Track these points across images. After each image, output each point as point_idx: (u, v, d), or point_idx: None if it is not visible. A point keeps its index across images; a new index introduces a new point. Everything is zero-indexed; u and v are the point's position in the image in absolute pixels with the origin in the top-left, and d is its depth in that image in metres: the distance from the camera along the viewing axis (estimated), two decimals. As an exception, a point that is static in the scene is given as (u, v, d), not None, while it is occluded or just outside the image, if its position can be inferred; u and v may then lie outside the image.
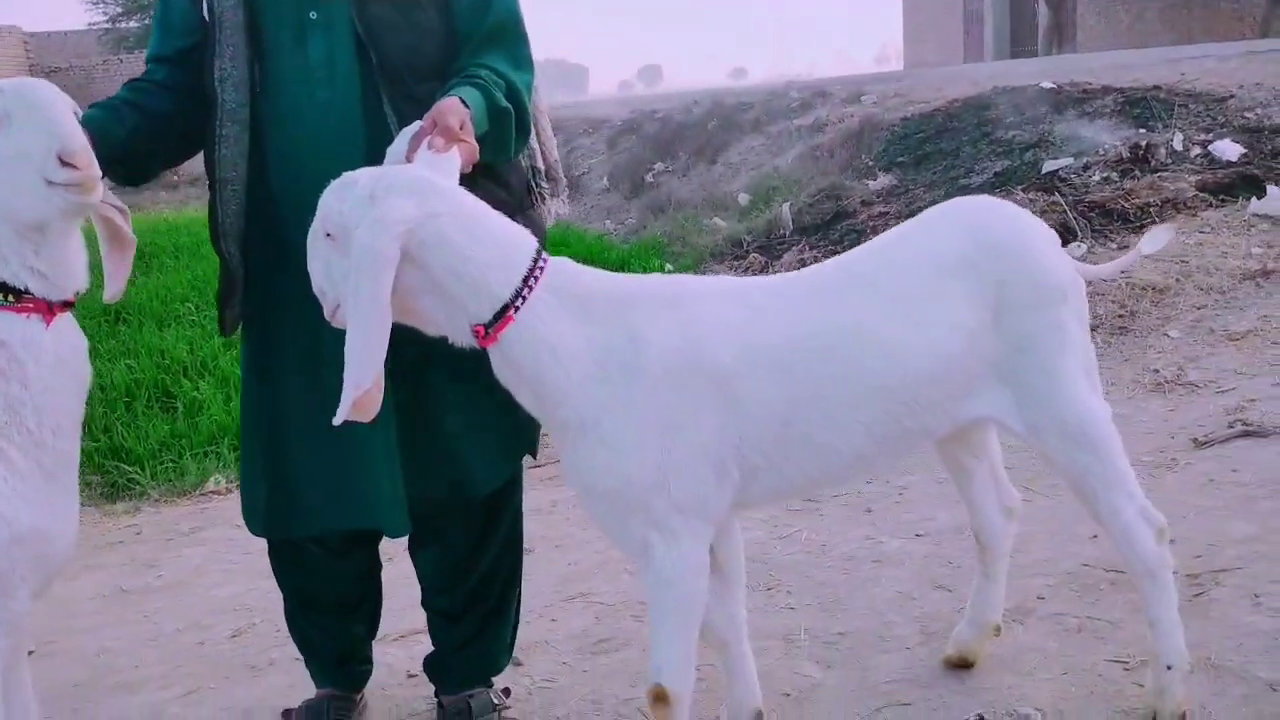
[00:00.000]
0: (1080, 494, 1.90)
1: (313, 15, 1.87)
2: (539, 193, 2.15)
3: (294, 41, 1.89)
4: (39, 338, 1.55)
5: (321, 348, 1.93)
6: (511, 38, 1.98)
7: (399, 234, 1.50)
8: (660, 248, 8.45)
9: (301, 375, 1.98)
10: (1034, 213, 6.30)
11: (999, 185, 7.00)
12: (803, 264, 7.14)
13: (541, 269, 1.63)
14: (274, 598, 2.97)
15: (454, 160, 1.66)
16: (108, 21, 26.07)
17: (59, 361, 1.58)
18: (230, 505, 3.98)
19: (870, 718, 2.14)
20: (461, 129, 1.69)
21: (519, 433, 2.10)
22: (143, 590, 3.18)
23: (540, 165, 2.16)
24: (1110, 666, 2.20)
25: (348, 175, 1.61)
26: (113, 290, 1.81)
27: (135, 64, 21.55)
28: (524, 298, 1.59)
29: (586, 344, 1.62)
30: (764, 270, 7.33)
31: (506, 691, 2.27)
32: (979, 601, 2.21)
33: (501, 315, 1.59)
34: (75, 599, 3.13)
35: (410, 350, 1.81)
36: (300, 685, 2.46)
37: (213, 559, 3.38)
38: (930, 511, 3.12)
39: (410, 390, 1.94)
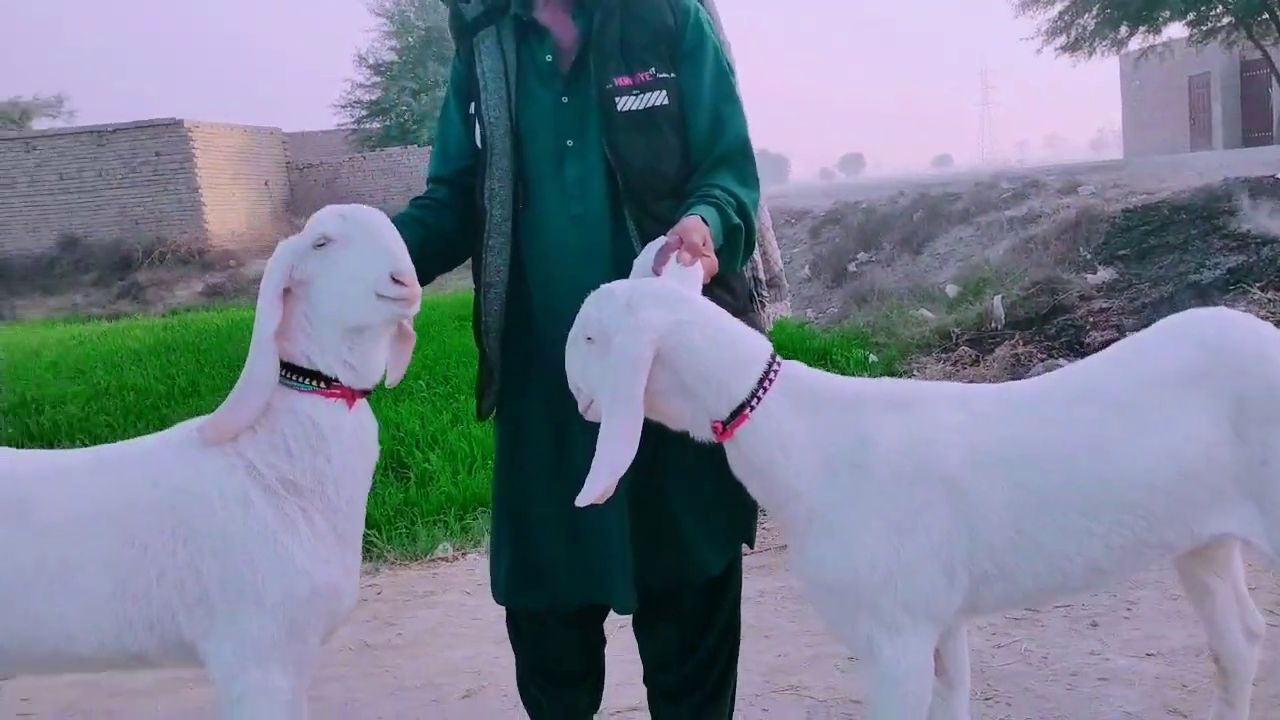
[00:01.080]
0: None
1: (569, 143, 2.11)
2: (760, 299, 2.30)
3: (553, 165, 2.13)
4: (342, 420, 1.80)
5: (566, 435, 2.12)
6: (741, 159, 2.15)
7: (652, 340, 1.67)
8: (864, 338, 8.43)
9: (547, 458, 2.16)
10: (1277, 313, 5.90)
11: (1234, 282, 6.63)
12: (1017, 359, 6.96)
13: (776, 372, 1.76)
14: (502, 663, 3.20)
15: (698, 273, 1.83)
16: (354, 123, 28.83)
17: (356, 441, 1.83)
18: (458, 572, 4.27)
19: (1097, 841, 2.07)
20: (704, 245, 1.86)
21: (740, 520, 2.22)
22: (384, 646, 3.46)
23: (762, 276, 2.31)
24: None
25: (606, 286, 1.80)
26: (395, 377, 2.06)
27: (376, 161, 23.74)
28: (759, 398, 1.73)
29: (815, 443, 1.73)
30: (974, 364, 7.19)
31: (721, 775, 2.34)
32: (1219, 728, 2.11)
33: (738, 413, 1.73)
34: (327, 650, 3.43)
35: (644, 440, 1.97)
36: (526, 749, 2.63)
37: (445, 622, 3.64)
38: (1161, 629, 2.97)
39: (644, 477, 2.10)
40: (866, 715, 1.79)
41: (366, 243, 1.77)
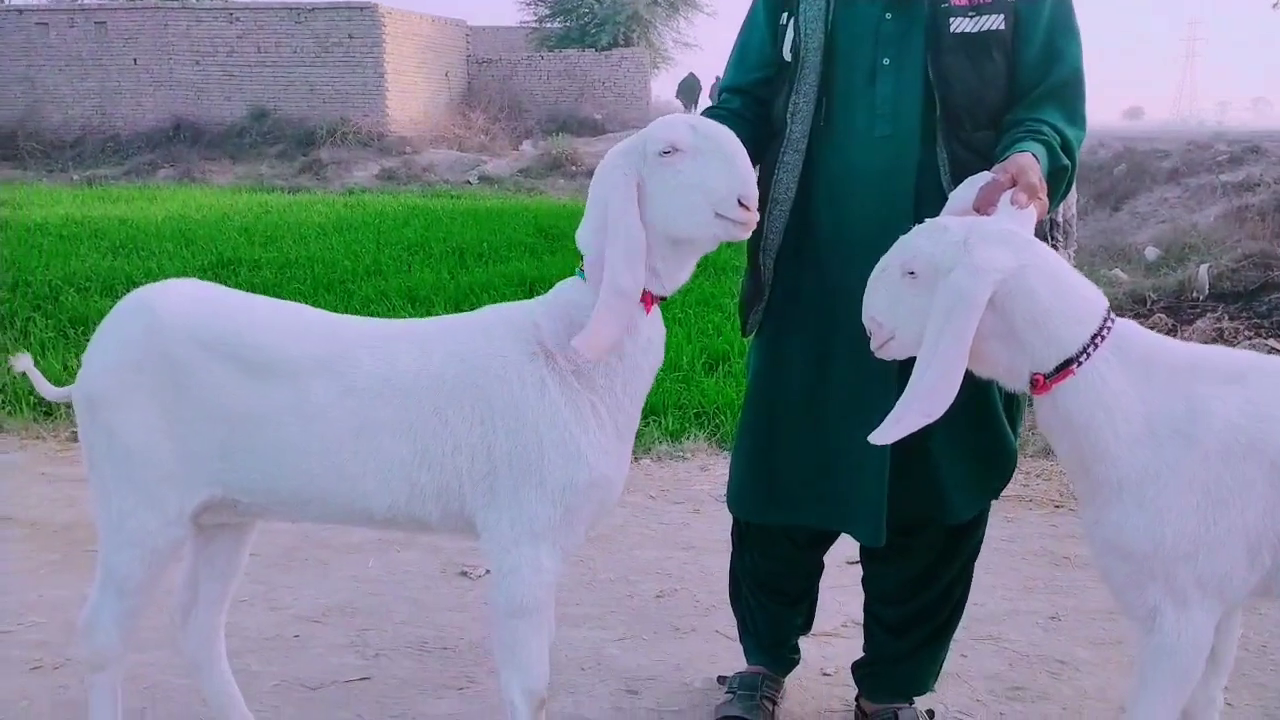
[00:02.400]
0: None
1: (885, 61, 2.03)
2: (1053, 243, 2.20)
3: (865, 82, 2.04)
4: (639, 322, 1.83)
5: (829, 360, 2.11)
6: (1073, 93, 2.03)
7: (994, 281, 1.61)
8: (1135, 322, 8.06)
9: (806, 381, 2.15)
10: None
11: None
12: (1219, 334, 6.55)
13: (1109, 328, 1.69)
14: (690, 569, 3.29)
15: (1031, 217, 1.75)
16: (535, 21, 28.92)
17: (649, 343, 1.86)
18: (635, 475, 4.35)
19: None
20: (1039, 187, 1.78)
21: (995, 471, 2.18)
22: (577, 538, 3.59)
23: (1059, 219, 2.21)
24: None
25: (937, 220, 1.74)
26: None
27: (553, 61, 23.82)
28: (1089, 354, 1.66)
29: (1142, 407, 1.66)
30: (1170, 334, 6.81)
31: (931, 714, 2.36)
32: None
33: (1064, 368, 1.67)
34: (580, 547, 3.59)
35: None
36: (722, 656, 2.70)
37: (631, 521, 3.74)
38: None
39: None
40: (1134, 682, 1.76)
41: (718, 160, 1.75)
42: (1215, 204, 9.33)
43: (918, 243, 1.70)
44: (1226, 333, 6.59)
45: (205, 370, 1.85)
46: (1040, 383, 1.69)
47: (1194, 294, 7.43)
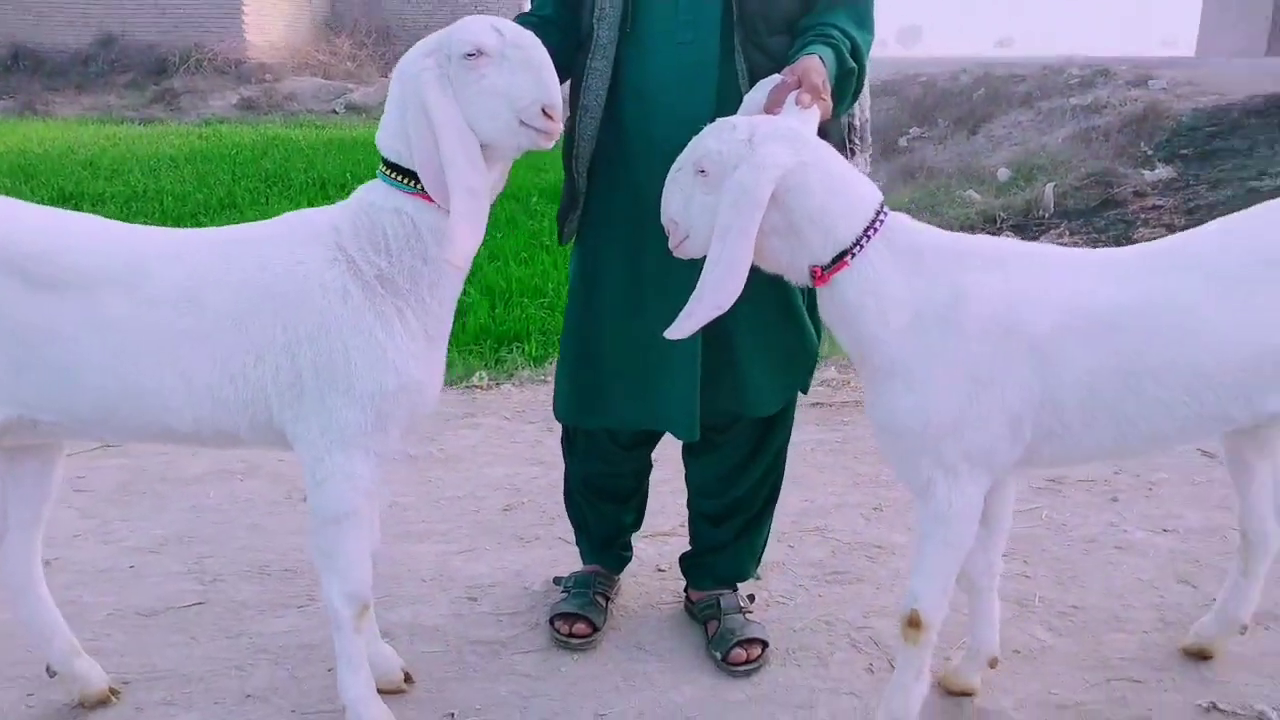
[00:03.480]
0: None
1: None
2: (850, 148, 2.29)
3: None
4: (442, 224, 1.81)
5: (643, 265, 2.16)
6: None
7: (775, 177, 1.67)
8: (907, 214, 8.33)
9: (621, 287, 2.21)
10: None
11: (1295, 192, 6.48)
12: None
13: (882, 221, 1.77)
14: (540, 483, 3.35)
15: (814, 116, 1.82)
16: (401, -60, 27.60)
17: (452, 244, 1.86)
18: (494, 399, 4.39)
19: (1099, 686, 2.20)
20: (823, 88, 1.84)
21: (798, 367, 2.30)
22: (426, 459, 3.60)
23: (857, 123, 2.29)
24: (1364, 689, 2.16)
25: (725, 119, 1.78)
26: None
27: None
28: (861, 246, 1.74)
29: (910, 294, 1.75)
30: (1016, 250, 7.14)
31: (751, 598, 2.49)
32: (1231, 597, 2.21)
33: (839, 260, 1.75)
34: (396, 453, 3.59)
35: None
36: (563, 560, 2.78)
37: (484, 442, 3.77)
38: (1180, 510, 3.07)
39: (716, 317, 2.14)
40: (915, 548, 1.89)
41: (523, 67, 1.74)
42: (1065, 126, 9.70)
43: (707, 142, 1.75)
44: (1067, 246, 6.95)
45: None
46: (819, 275, 1.77)
47: (1040, 212, 7.78)
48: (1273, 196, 6.02)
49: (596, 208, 2.21)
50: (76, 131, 13.17)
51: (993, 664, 2.14)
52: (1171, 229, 6.66)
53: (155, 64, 18.09)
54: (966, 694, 2.16)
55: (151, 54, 18.31)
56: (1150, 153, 8.30)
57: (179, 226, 7.32)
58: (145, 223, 7.38)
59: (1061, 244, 6.94)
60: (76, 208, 7.94)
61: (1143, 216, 7.10)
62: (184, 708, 2.18)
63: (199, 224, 7.40)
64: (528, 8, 2.28)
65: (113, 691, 2.20)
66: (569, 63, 2.16)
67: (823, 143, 1.80)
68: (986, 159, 9.68)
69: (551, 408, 2.42)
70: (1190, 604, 2.51)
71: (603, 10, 2.09)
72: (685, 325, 1.71)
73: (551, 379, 4.66)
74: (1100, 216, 7.40)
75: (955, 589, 1.95)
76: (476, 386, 4.70)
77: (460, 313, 5.48)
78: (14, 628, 2.30)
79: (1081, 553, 2.82)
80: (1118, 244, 6.64)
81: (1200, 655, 2.27)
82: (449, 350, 5.14)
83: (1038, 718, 2.10)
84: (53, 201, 8.13)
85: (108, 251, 1.82)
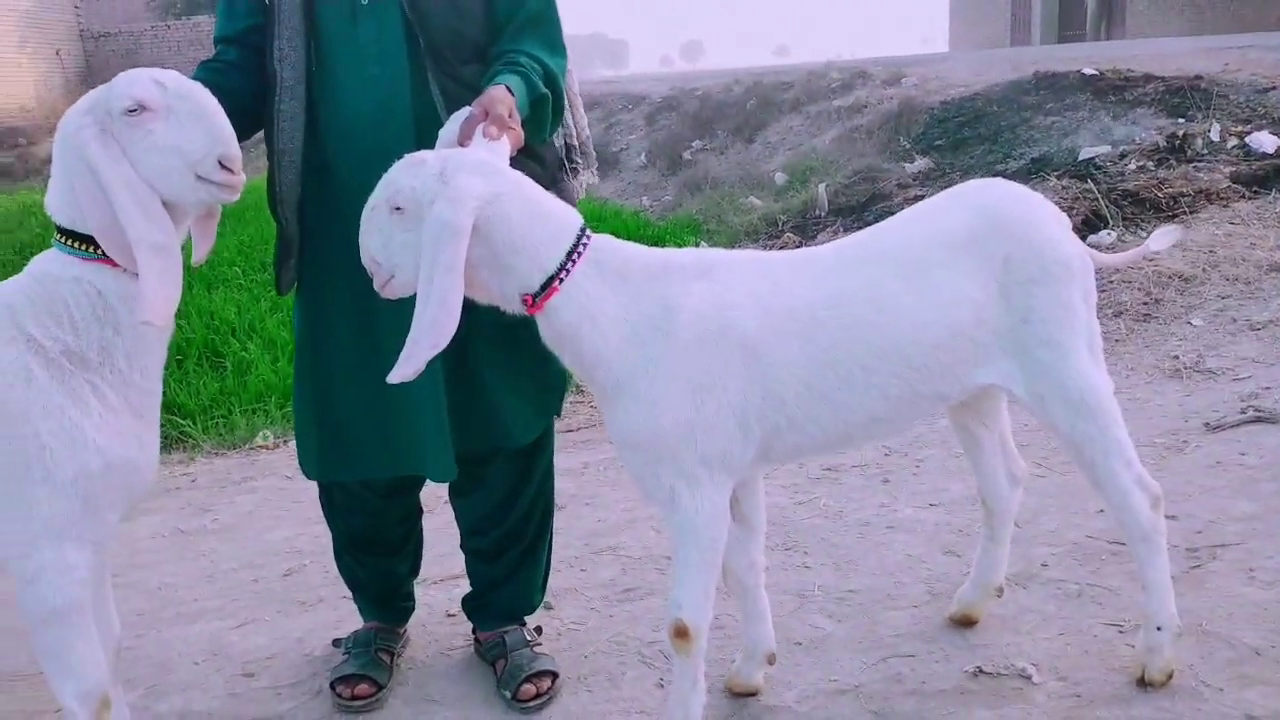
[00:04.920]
0: (1080, 462, 2.02)
1: (364, 1, 2.02)
2: (570, 168, 2.31)
3: (347, 23, 2.04)
4: (131, 290, 1.70)
5: (372, 307, 2.09)
6: (547, 23, 2.13)
7: (473, 209, 1.65)
8: (696, 225, 8.56)
9: (353, 332, 2.14)
10: (1067, 199, 6.34)
11: (1034, 172, 7.05)
12: (836, 244, 7.25)
13: (585, 244, 1.79)
14: (323, 542, 3.19)
15: (505, 146, 1.81)
16: (157, -14, 26.31)
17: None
18: (278, 458, 4.19)
19: (876, 666, 2.29)
20: (510, 117, 1.84)
21: (550, 393, 2.29)
22: (199, 532, 3.39)
23: (574, 143, 2.31)
24: (1106, 629, 2.33)
25: (415, 155, 1.75)
26: (200, 255, 1.94)
27: (183, 30, 21.87)
28: (568, 270, 1.75)
29: (623, 311, 1.78)
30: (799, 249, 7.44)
31: (539, 630, 2.45)
32: (983, 563, 2.35)
33: (548, 286, 1.75)
34: (136, 538, 3.35)
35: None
36: (347, 620, 2.66)
37: (264, 505, 3.59)
38: (944, 483, 3.25)
39: (454, 349, 2.10)
40: (672, 560, 1.90)
41: (192, 120, 1.67)
42: (832, 128, 10.22)
43: (398, 178, 1.72)
44: (843, 242, 7.29)
45: None
46: (530, 302, 1.77)
47: (816, 211, 8.15)
48: (1016, 177, 6.49)
49: (312, 253, 2.14)
50: None
51: (771, 660, 2.19)
52: (932, 216, 7.11)
53: (-114, 136, 16.50)
54: (751, 694, 2.19)
55: (-120, 124, 16.69)
56: (909, 146, 8.85)
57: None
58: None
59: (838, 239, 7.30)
60: None
61: (907, 207, 7.56)
62: None
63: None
64: None
65: None
66: (259, 107, 2.08)
67: (516, 173, 1.81)
68: (764, 165, 10.09)
69: (299, 465, 2.32)
70: (956, 573, 2.64)
71: (282, 52, 2.03)
72: (406, 369, 1.67)
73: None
74: (869, 210, 7.81)
75: (724, 590, 1.98)
76: (262, 447, 4.48)
77: (241, 371, 5.23)
78: None
79: (857, 536, 2.94)
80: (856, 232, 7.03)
81: (965, 622, 2.39)
82: (231, 413, 4.89)
83: (820, 706, 2.16)
84: None
85: None
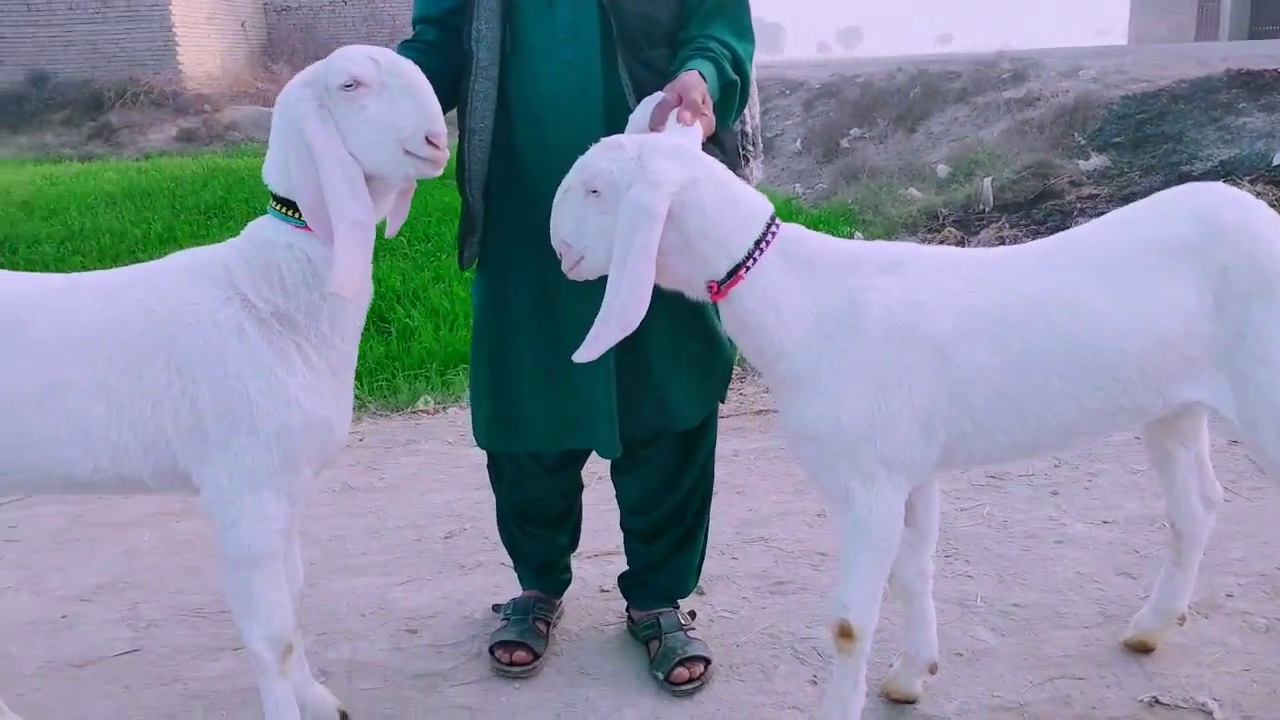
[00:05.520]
0: (1290, 493, 1.89)
1: None
2: (744, 155, 2.29)
3: (544, 7, 2.07)
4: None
5: (551, 285, 2.13)
6: (736, 8, 2.11)
7: (669, 193, 1.66)
8: (851, 215, 8.39)
9: (531, 308, 2.18)
10: (1263, 206, 5.92)
11: (1224, 175, 6.61)
12: (1002, 241, 6.97)
13: (774, 233, 1.76)
14: (482, 508, 3.30)
15: (697, 132, 1.81)
16: (336, -37, 27.44)
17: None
18: (439, 423, 4.34)
19: (1042, 686, 2.20)
20: (703, 103, 1.84)
21: (716, 378, 2.28)
22: (367, 489, 3.54)
23: (747, 129, 2.29)
24: (1298, 670, 2.18)
25: (612, 139, 1.76)
26: (394, 228, 2.01)
27: (358, 6, 22.76)
28: (755, 259, 1.74)
29: (809, 303, 1.75)
30: (960, 245, 7.19)
31: (692, 614, 2.47)
32: (1167, 589, 2.22)
33: (734, 273, 1.74)
34: (309, 492, 3.52)
35: None
36: (505, 586, 2.74)
37: (426, 468, 3.72)
38: (1119, 500, 3.09)
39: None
40: (840, 558, 1.87)
41: (404, 95, 1.71)
42: (1000, 120, 9.83)
43: (596, 162, 1.73)
44: (1008, 240, 7.01)
45: None
46: (715, 289, 1.76)
47: (980, 206, 7.86)
48: (1203, 179, 6.17)
49: (496, 231, 2.18)
50: (13, 172, 12.90)
51: (933, 669, 2.13)
52: (1107, 218, 6.76)
53: (90, 100, 17.77)
54: (908, 701, 2.14)
55: (86, 90, 17.99)
56: (1084, 142, 8.43)
57: (116, 264, 7.20)
58: (82, 261, 7.28)
59: (1002, 237, 7.02)
60: (11, 251, 7.78)
61: (1079, 206, 7.20)
62: (113, 764, 2.11)
63: (137, 260, 7.23)
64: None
65: (40, 750, 2.13)
66: (454, 87, 2.14)
67: (711, 158, 1.80)
68: (926, 156, 9.79)
69: (472, 434, 2.38)
70: (1131, 596, 2.52)
71: (479, 33, 2.07)
72: (593, 348, 1.69)
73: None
74: (1038, 208, 7.49)
75: (891, 595, 1.94)
76: (422, 411, 4.64)
77: (405, 337, 5.43)
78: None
79: (1023, 549, 2.83)
80: (1056, 234, 6.72)
81: (1141, 648, 2.27)
82: (395, 376, 5.11)
83: None
84: (-14, 245, 7.95)
85: None
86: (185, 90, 18.35)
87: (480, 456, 3.79)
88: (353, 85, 1.71)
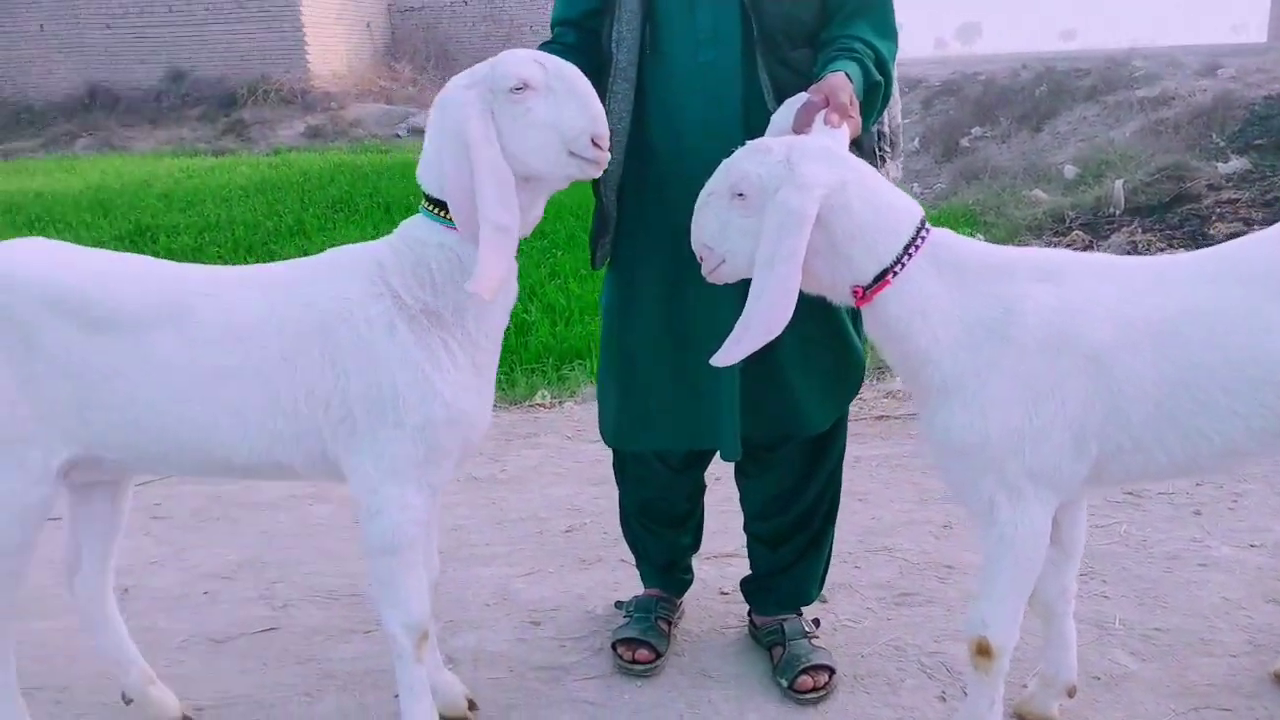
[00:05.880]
0: None
1: None
2: (881, 156, 2.24)
3: (684, 8, 2.08)
4: None
5: (682, 286, 2.14)
6: (880, 7, 2.07)
7: (820, 196, 1.64)
8: (972, 216, 8.18)
9: (661, 308, 2.18)
10: None
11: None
12: (1134, 247, 6.69)
13: (924, 237, 1.73)
14: (602, 503, 3.33)
15: (845, 134, 1.79)
16: (458, -35, 28.05)
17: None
18: (556, 418, 4.40)
19: (1185, 716, 2.10)
20: (851, 105, 1.81)
21: (848, 381, 2.25)
22: (489, 480, 3.62)
23: (886, 130, 2.24)
24: None
25: (759, 142, 1.75)
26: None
27: (478, 6, 23.24)
28: (903, 264, 1.70)
29: (958, 310, 1.71)
30: (1087, 249, 6.94)
31: (816, 622, 2.44)
32: (1326, 620, 2.10)
33: (881, 278, 1.71)
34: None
35: None
36: (625, 583, 2.76)
37: (546, 461, 3.78)
38: (1268, 523, 2.94)
39: None
40: (982, 573, 1.83)
41: (569, 98, 1.75)
42: (1133, 120, 9.45)
43: (742, 165, 1.72)
44: (1140, 245, 6.74)
45: (50, 328, 1.82)
46: (860, 294, 1.73)
47: (1110, 209, 7.57)
48: (1356, 187, 5.68)
49: (628, 230, 2.19)
50: (153, 165, 13.62)
51: (1071, 692, 2.06)
52: (1249, 223, 6.42)
53: (224, 97, 18.63)
54: (1044, 722, 2.08)
55: (220, 87, 18.87)
56: (1223, 145, 8.02)
57: (250, 255, 7.56)
58: (217, 252, 7.62)
59: (1134, 242, 6.74)
60: (153, 240, 8.21)
61: (1218, 211, 6.86)
62: (255, 736, 2.21)
63: (270, 251, 7.58)
64: None
65: (186, 718, 2.24)
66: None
67: (860, 161, 1.77)
68: (1052, 156, 9.48)
69: (599, 430, 2.41)
70: (1281, 624, 2.39)
71: (620, 35, 2.08)
72: (734, 351, 1.68)
73: (612, 397, 4.69)
74: (1173, 212, 7.17)
75: (1028, 613, 1.88)
76: (539, 405, 4.72)
77: (522, 331, 5.53)
78: (92, 654, 2.36)
79: (1163, 571, 2.71)
80: (1193, 240, 6.42)
81: (1294, 680, 2.16)
82: (513, 370, 5.21)
83: (1120, 746, 2.02)
84: (130, 234, 8.41)
85: (155, 292, 1.86)
86: (313, 88, 19.07)
87: (598, 452, 3.86)
88: (521, 88, 1.74)
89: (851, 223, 1.69)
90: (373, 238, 6.96)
